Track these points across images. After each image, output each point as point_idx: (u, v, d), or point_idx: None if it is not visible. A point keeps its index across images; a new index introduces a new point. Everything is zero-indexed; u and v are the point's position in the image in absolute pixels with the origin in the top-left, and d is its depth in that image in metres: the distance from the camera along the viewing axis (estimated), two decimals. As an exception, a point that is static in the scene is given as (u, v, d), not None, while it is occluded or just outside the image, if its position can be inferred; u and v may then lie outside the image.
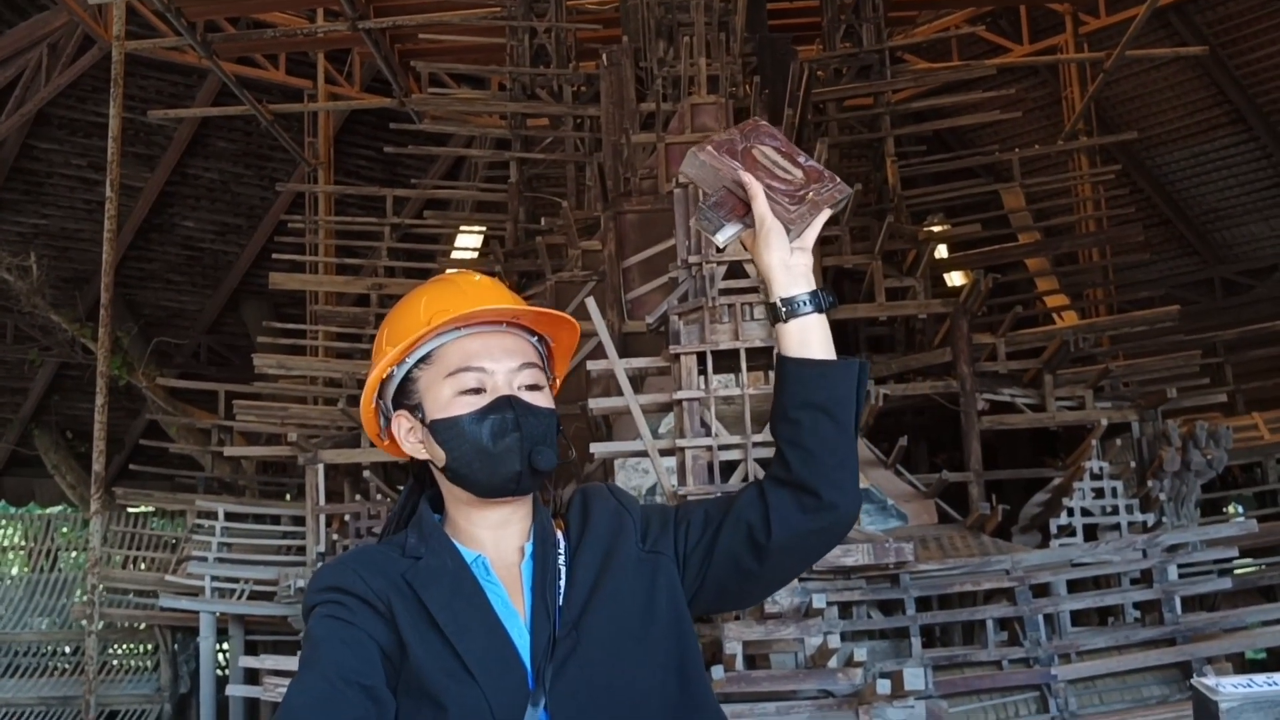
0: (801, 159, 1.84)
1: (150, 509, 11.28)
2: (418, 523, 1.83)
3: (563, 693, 1.68)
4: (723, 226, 1.83)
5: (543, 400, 1.80)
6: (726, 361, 5.65)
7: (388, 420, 1.87)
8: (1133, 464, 7.09)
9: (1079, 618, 6.00)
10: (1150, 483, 6.87)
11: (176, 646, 9.75)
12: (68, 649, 10.07)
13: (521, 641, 1.73)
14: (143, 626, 10.04)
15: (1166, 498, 6.87)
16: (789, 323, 1.78)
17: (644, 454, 5.61)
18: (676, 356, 5.63)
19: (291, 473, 11.02)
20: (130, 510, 10.94)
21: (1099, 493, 6.74)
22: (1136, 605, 5.66)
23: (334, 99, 13.51)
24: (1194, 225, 14.94)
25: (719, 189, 1.83)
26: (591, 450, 5.87)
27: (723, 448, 5.54)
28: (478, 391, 1.76)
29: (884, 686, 3.99)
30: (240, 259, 15.75)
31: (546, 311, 1.85)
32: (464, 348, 1.77)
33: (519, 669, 1.70)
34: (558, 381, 1.91)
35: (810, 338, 1.78)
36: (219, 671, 8.79)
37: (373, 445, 8.21)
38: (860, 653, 4.52)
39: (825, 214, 1.81)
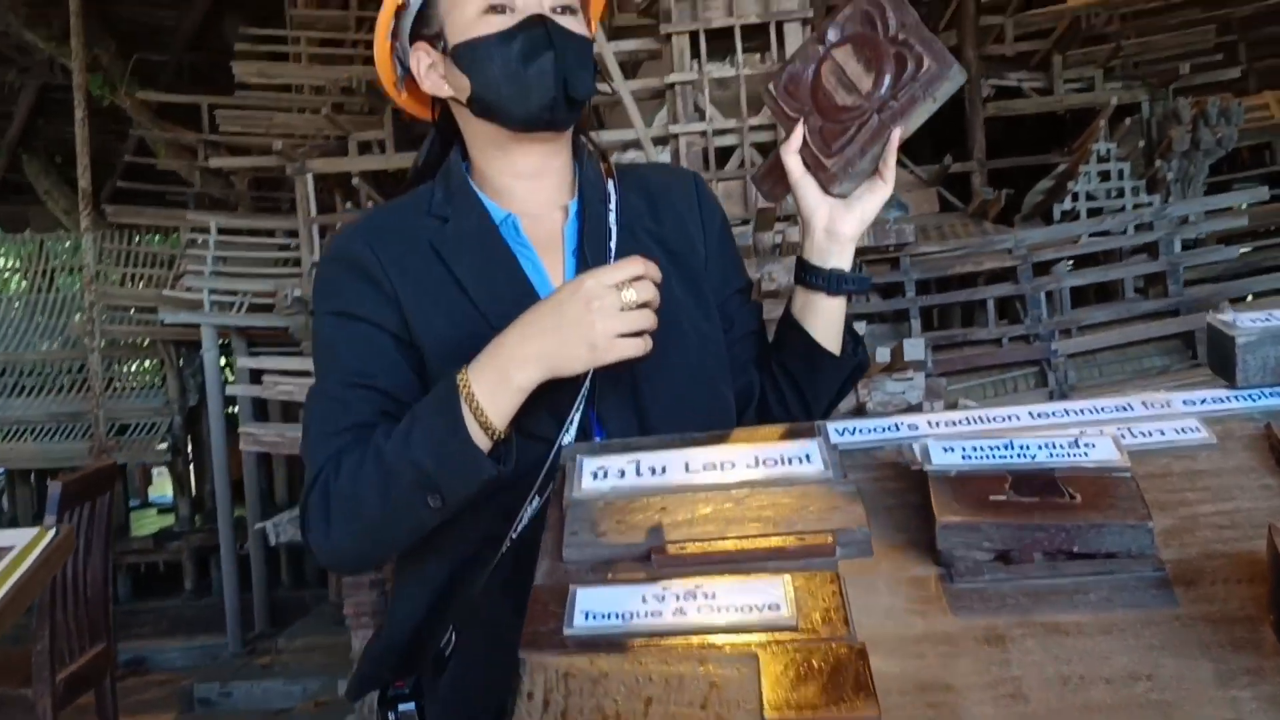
0: (887, 60, 1.51)
1: (144, 226, 11.13)
2: (446, 174, 1.65)
3: (605, 376, 1.53)
4: (775, 197, 1.62)
5: (577, 26, 1.60)
6: (721, 42, 5.38)
7: (406, 67, 1.66)
8: (1141, 145, 6.89)
9: (1080, 300, 5.96)
10: (1158, 163, 6.69)
11: (182, 361, 9.84)
12: (73, 368, 10.15)
13: None
14: (146, 343, 10.10)
15: (1174, 178, 6.71)
16: (798, 285, 1.65)
17: (637, 144, 5.42)
18: (668, 37, 5.36)
19: (283, 187, 10.84)
20: (125, 227, 10.81)
21: (1105, 176, 6.57)
22: (1141, 280, 5.61)
23: None
24: (1212, -102, 14.11)
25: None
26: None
27: (718, 133, 5.35)
28: (502, 10, 1.55)
29: (883, 356, 3.95)
30: (217, -33, 14.99)
31: None
32: None
33: None
34: (593, 24, 1.69)
35: (812, 315, 1.65)
36: (225, 383, 8.88)
37: (364, 152, 7.79)
38: (860, 326, 4.46)
39: (886, 144, 1.52)
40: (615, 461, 1.35)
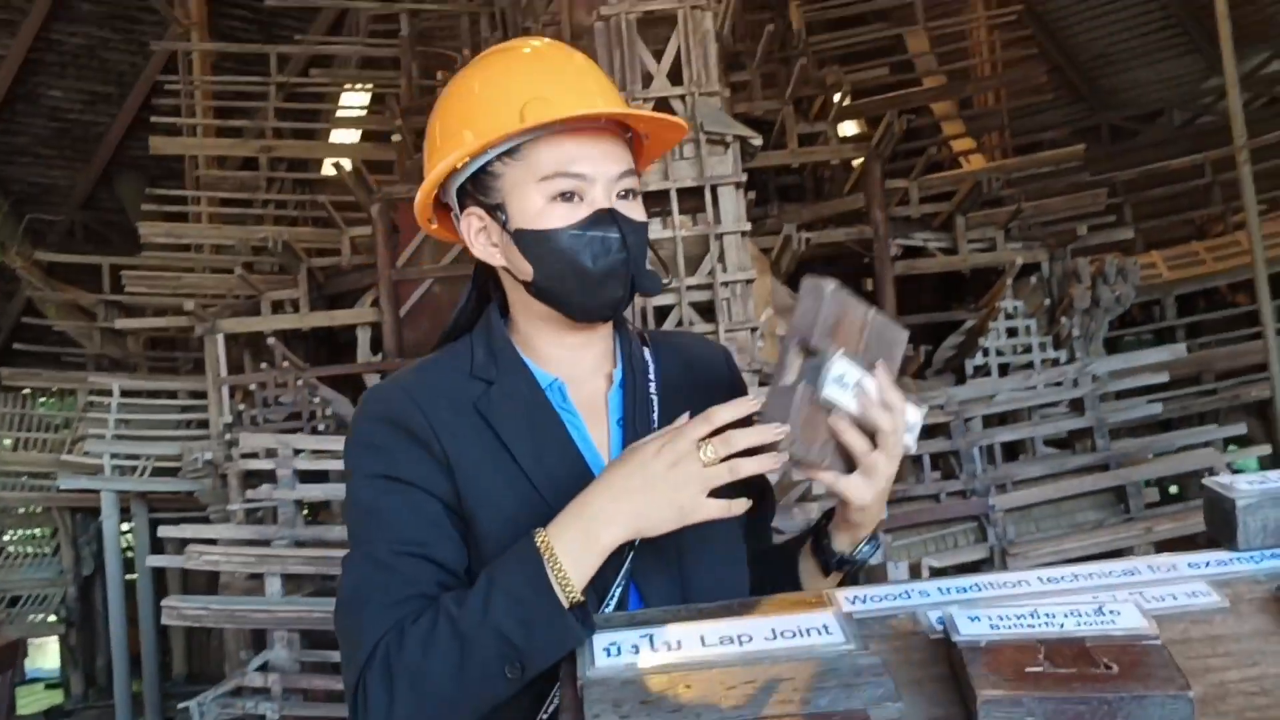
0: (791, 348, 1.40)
1: (35, 390, 10.79)
2: (486, 333, 1.58)
3: (648, 547, 1.47)
4: None
5: (638, 212, 1.54)
6: (656, 204, 5.45)
7: (440, 205, 1.60)
8: (1046, 303, 7.13)
9: (993, 454, 6.05)
10: (1062, 320, 6.93)
11: (76, 529, 9.46)
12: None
13: None
14: (39, 510, 9.70)
15: (1077, 334, 6.95)
16: (804, 546, 1.63)
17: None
18: (602, 202, 5.42)
19: (182, 347, 10.65)
20: (19, 390, 10.47)
21: (1012, 332, 6.79)
22: (1070, 434, 5.74)
23: (205, -48, 12.72)
24: (1083, 71, 14.98)
25: None
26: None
27: (656, 292, 5.38)
28: (570, 198, 1.49)
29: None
30: (112, 130, 14.93)
31: (662, 116, 1.56)
32: (561, 148, 1.48)
33: None
34: (641, 171, 1.64)
35: (809, 570, 1.64)
36: (124, 552, 8.54)
37: (266, 312, 7.68)
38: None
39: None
40: (626, 637, 1.29)
